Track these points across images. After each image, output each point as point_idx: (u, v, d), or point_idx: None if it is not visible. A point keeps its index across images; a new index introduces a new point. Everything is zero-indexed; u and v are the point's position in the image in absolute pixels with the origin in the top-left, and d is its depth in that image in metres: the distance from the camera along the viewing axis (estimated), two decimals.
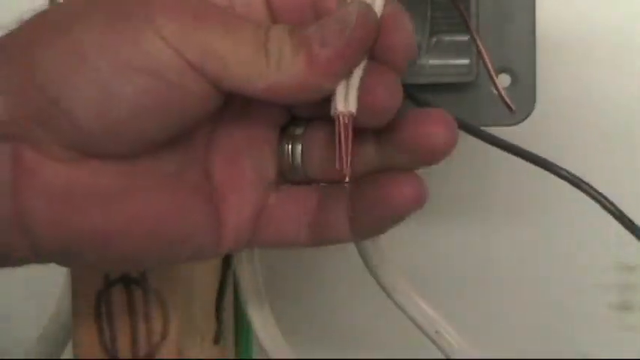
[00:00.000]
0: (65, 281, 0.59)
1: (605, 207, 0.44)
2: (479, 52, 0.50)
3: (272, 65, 0.41)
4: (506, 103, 0.48)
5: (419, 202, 0.43)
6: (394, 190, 0.43)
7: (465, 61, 0.53)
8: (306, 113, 0.45)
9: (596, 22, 0.68)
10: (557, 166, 0.45)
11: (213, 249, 0.45)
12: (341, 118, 0.41)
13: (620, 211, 0.45)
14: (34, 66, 0.41)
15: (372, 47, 0.42)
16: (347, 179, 0.41)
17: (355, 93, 0.41)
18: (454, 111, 0.54)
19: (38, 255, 0.43)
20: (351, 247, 0.60)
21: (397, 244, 0.68)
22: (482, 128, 0.46)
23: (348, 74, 0.41)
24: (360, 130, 0.42)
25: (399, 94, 0.42)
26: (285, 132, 0.46)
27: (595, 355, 0.72)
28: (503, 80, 0.53)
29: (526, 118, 0.53)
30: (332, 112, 0.42)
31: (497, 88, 0.49)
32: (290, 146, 0.46)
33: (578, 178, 0.45)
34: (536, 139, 0.67)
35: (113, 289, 0.54)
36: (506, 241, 0.72)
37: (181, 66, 0.40)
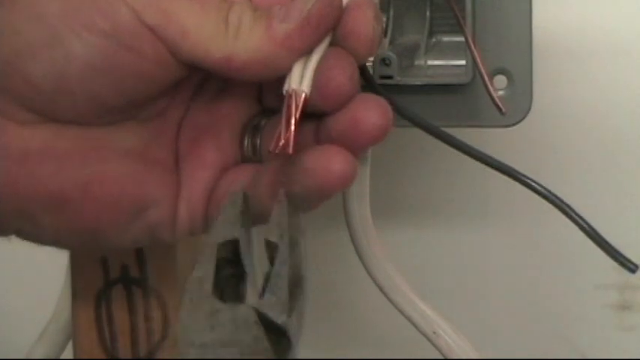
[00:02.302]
0: (65, 281, 0.59)
1: (577, 223, 0.44)
2: (472, 55, 0.50)
3: (230, 35, 0.41)
4: (497, 105, 0.48)
5: (345, 179, 0.42)
6: (320, 165, 0.42)
7: (462, 62, 0.53)
8: (273, 104, 0.46)
9: (592, 24, 0.68)
10: (526, 176, 0.44)
11: (170, 227, 0.45)
12: (293, 95, 0.41)
13: (595, 230, 0.45)
14: None
15: (333, 30, 0.42)
16: (290, 152, 0.41)
17: (311, 74, 0.42)
18: (451, 111, 0.54)
19: None
20: (349, 248, 0.60)
21: (396, 245, 0.68)
22: (446, 130, 0.46)
23: (306, 54, 0.42)
24: (309, 114, 0.42)
25: (356, 81, 0.42)
26: (250, 122, 0.46)
27: (595, 355, 0.72)
28: (500, 82, 0.53)
29: (522, 119, 0.53)
30: (284, 88, 0.42)
31: (488, 91, 0.49)
32: (250, 137, 0.46)
33: (552, 193, 0.45)
34: (531, 141, 0.67)
35: (113, 289, 0.54)
36: (505, 241, 0.73)
37: (139, 29, 0.41)
